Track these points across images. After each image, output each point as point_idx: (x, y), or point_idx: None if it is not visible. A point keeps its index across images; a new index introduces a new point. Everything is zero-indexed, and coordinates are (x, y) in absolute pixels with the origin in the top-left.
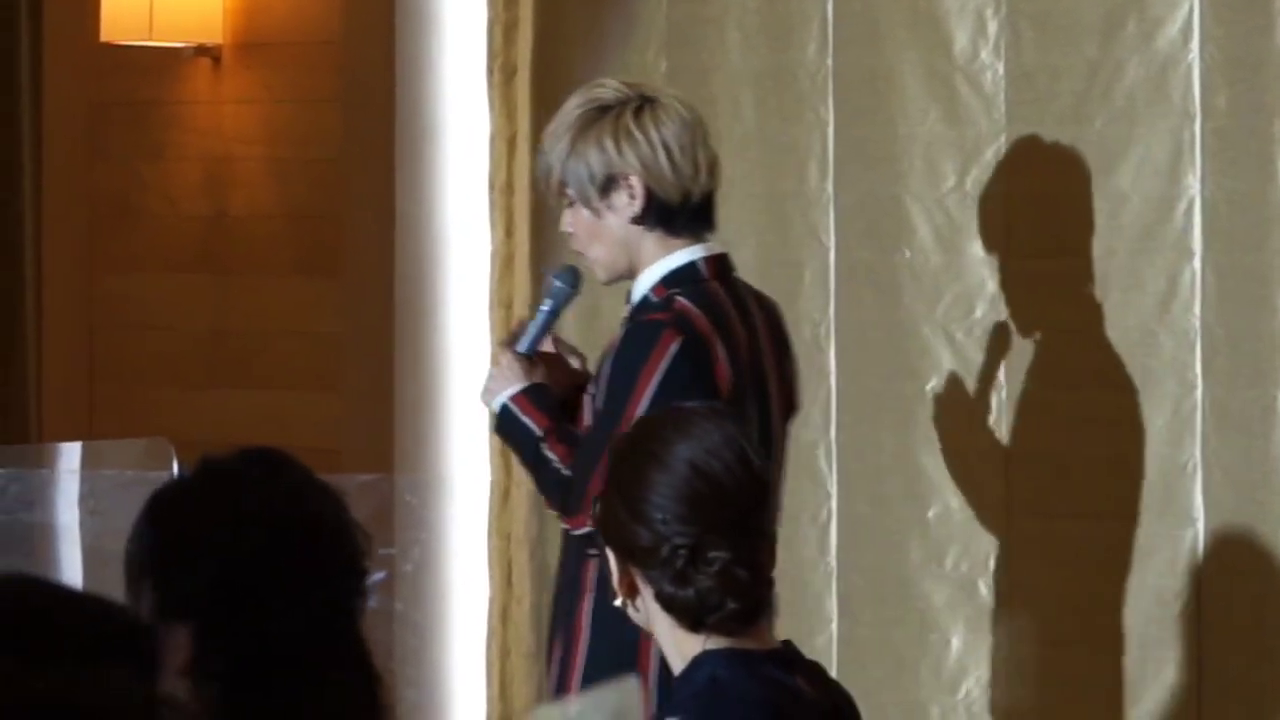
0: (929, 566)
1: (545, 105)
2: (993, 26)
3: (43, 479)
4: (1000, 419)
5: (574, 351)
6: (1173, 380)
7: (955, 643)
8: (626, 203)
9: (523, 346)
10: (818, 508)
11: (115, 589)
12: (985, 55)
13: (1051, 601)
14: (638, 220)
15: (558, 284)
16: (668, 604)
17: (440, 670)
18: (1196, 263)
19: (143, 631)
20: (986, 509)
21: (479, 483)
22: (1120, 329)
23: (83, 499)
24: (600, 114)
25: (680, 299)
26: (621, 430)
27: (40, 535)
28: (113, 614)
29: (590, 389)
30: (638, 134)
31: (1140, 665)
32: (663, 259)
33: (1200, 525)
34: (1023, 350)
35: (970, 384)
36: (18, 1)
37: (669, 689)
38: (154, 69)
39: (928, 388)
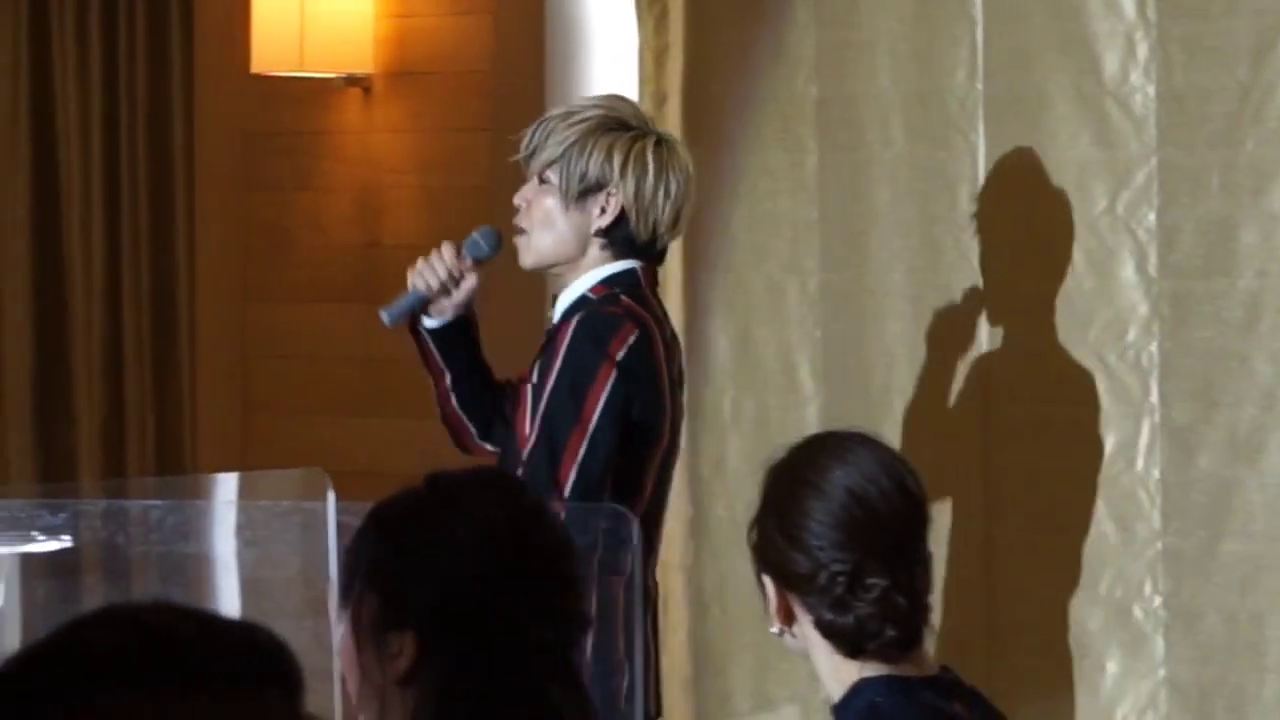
0: (1083, 592)
1: (696, 131)
2: (1142, 49)
3: (200, 510)
4: (1154, 443)
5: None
6: None
7: (1111, 668)
8: (597, 214)
9: (389, 315)
10: (971, 531)
11: (273, 618)
12: (1135, 78)
13: (1209, 624)
14: (598, 233)
15: (480, 241)
16: (826, 631)
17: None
18: None
19: (288, 654)
20: (1138, 533)
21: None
22: (1272, 351)
23: (239, 529)
24: (620, 128)
25: (624, 297)
26: (585, 418)
27: (198, 566)
28: (258, 637)
29: (532, 379)
30: (651, 168)
31: None
32: (604, 265)
33: None
34: (1175, 374)
35: (1123, 408)
36: (170, 34)
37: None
38: (305, 99)
39: (1079, 414)
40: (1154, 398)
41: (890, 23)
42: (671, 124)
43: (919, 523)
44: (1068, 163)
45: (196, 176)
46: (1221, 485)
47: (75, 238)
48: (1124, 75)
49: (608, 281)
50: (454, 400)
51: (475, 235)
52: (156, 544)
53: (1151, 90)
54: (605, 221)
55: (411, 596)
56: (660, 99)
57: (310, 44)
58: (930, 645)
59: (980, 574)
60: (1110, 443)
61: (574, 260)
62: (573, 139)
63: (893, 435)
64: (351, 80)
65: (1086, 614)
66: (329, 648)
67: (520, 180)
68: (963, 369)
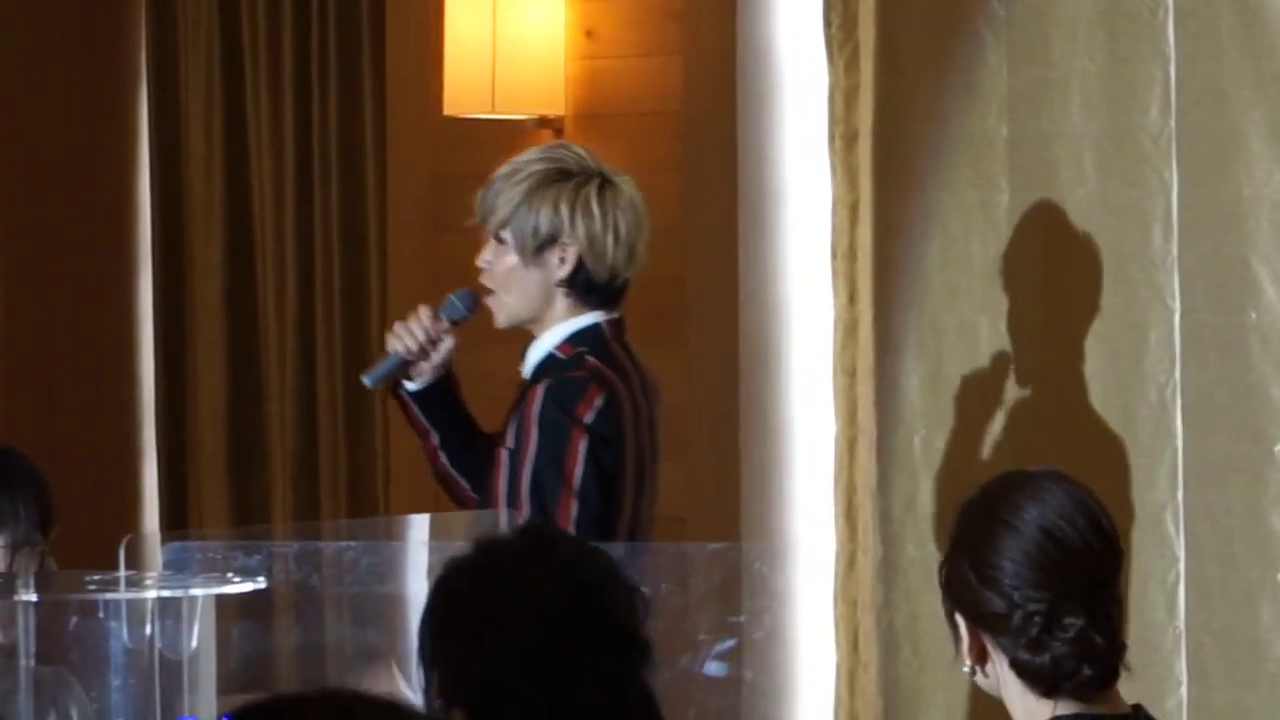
0: None
1: (887, 171)
2: None
3: (393, 551)
4: None
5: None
6: None
7: None
8: (556, 265)
9: (371, 379)
10: (1165, 570)
11: None
12: None
13: None
14: (560, 284)
15: (457, 303)
16: (1021, 670)
17: None
18: None
19: None
20: None
21: (824, 549)
22: None
23: (432, 570)
24: (562, 178)
25: (589, 358)
26: (569, 480)
27: (392, 607)
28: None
29: (508, 443)
30: (595, 210)
31: None
32: (570, 320)
33: None
34: None
35: None
36: (362, 78)
37: None
38: (497, 141)
39: (1276, 449)
40: None
41: (1082, 61)
42: (862, 164)
43: (1114, 560)
44: (1263, 199)
45: (389, 219)
46: None
47: (269, 282)
48: None
49: (573, 339)
50: (443, 458)
51: (451, 297)
52: (350, 585)
53: None
54: (565, 271)
55: (454, 672)
56: (851, 138)
57: (502, 86)
58: (1124, 684)
59: (1167, 614)
60: None
61: (543, 313)
62: (519, 198)
63: (1083, 474)
64: (543, 122)
65: None
66: None
67: (709, 223)
68: (1155, 405)
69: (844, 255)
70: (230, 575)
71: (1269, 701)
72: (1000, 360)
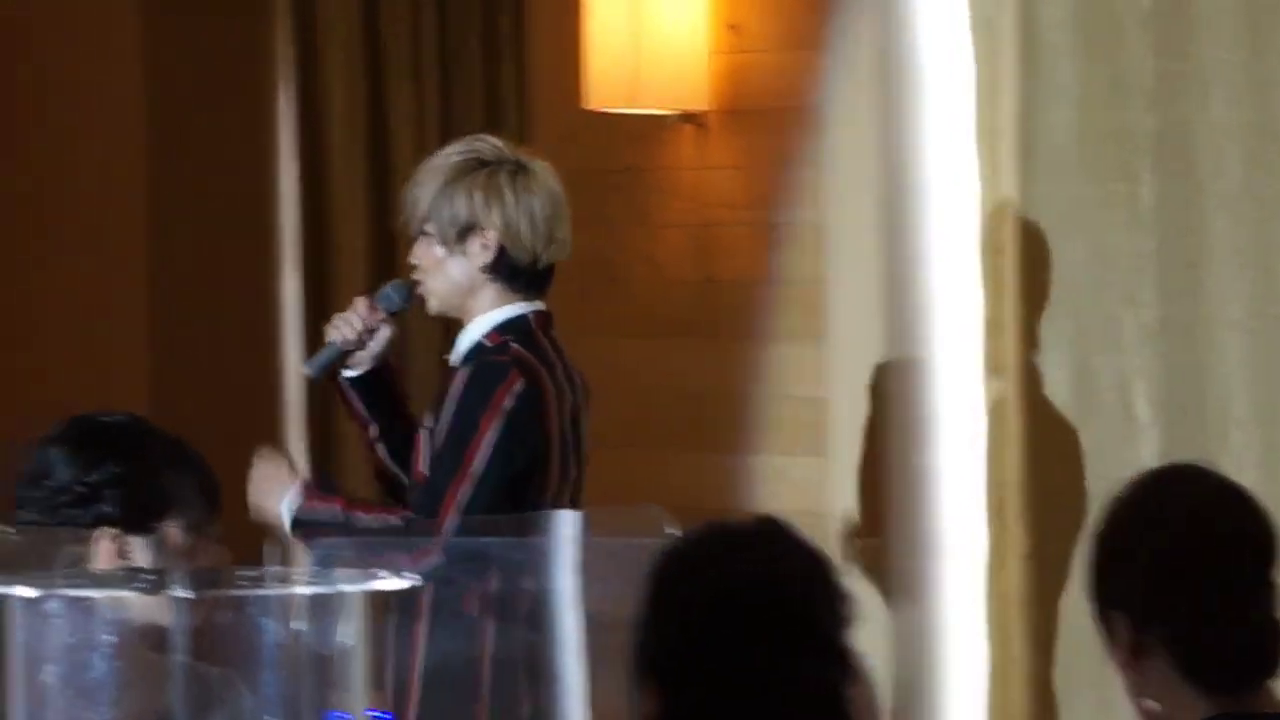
0: None
1: (1032, 166)
2: None
3: (542, 546)
4: None
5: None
6: None
7: None
8: (479, 251)
9: (311, 368)
10: None
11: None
12: None
13: None
14: (484, 269)
15: (391, 294)
16: (1172, 666)
17: None
18: None
19: None
20: None
21: (973, 544)
22: None
23: (581, 566)
24: (477, 166)
25: (515, 345)
26: (466, 464)
27: (542, 603)
28: None
29: (427, 424)
30: (508, 195)
31: None
32: (496, 309)
33: None
34: None
35: None
36: (503, 71)
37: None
38: (639, 135)
39: None
40: None
41: (1226, 52)
42: (1006, 159)
43: (1268, 553)
44: None
45: None
46: None
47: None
48: None
49: (501, 328)
50: (381, 450)
51: (386, 288)
52: (499, 581)
53: None
54: (488, 257)
55: (652, 650)
56: (995, 133)
57: (644, 80)
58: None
59: None
60: None
61: (470, 301)
62: (436, 189)
63: (1231, 468)
64: (686, 116)
65: None
66: None
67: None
68: None
69: (990, 251)
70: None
71: None
72: (1145, 353)
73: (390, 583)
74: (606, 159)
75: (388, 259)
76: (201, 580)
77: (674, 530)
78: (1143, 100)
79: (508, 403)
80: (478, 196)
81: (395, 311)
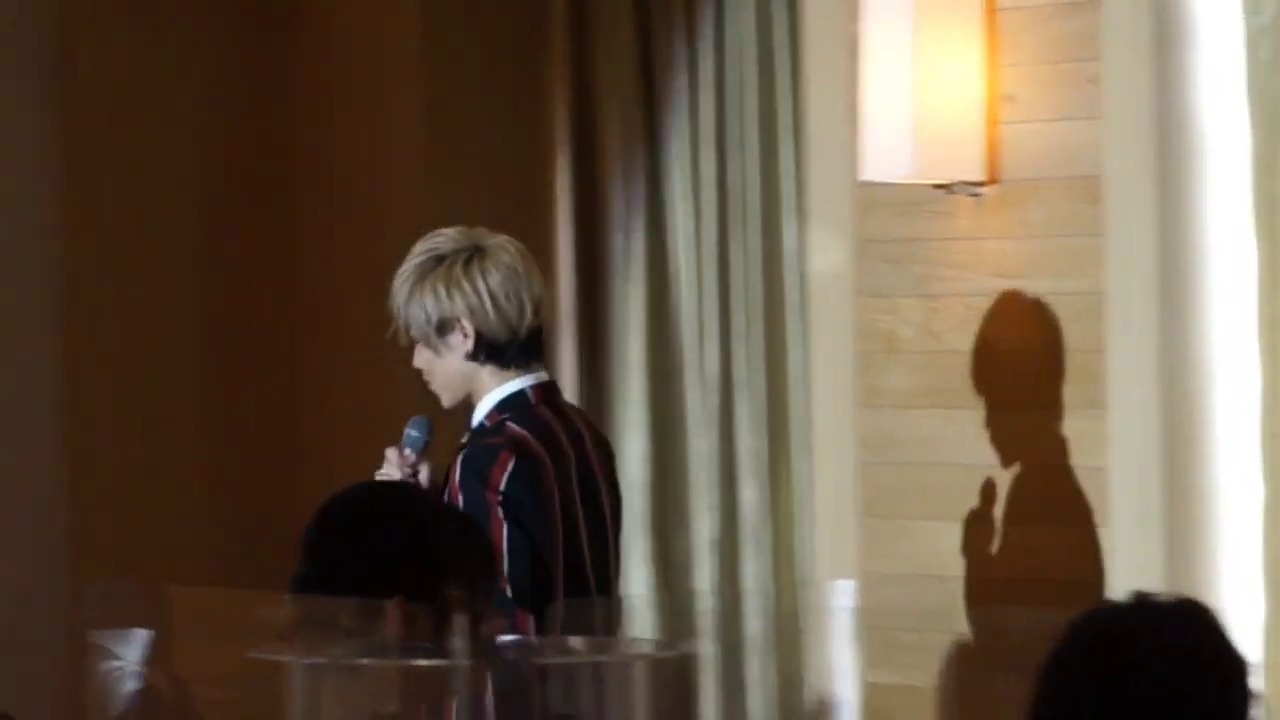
0: None
1: None
2: None
3: (818, 614)
4: None
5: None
6: None
7: None
8: (460, 342)
9: None
10: None
11: None
12: None
13: None
14: (471, 356)
15: (412, 433)
16: None
17: None
18: None
19: None
20: None
21: (1251, 614)
22: None
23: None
24: (436, 263)
25: (510, 424)
26: (495, 541)
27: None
28: None
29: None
30: (465, 284)
31: None
32: (497, 389)
33: None
34: None
35: None
36: (780, 143)
37: None
38: (915, 206)
39: None
40: None
41: None
42: None
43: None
44: None
45: (808, 283)
46: None
47: (688, 343)
48: None
49: (500, 407)
50: None
51: (407, 430)
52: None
53: None
54: (469, 346)
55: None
56: (1272, 201)
57: (921, 151)
58: None
59: None
60: None
61: (473, 388)
62: (405, 295)
63: None
64: (963, 186)
65: None
66: None
67: (1132, 288)
68: None
69: (1270, 322)
70: (652, 638)
71: None
72: None
73: (665, 651)
74: (884, 230)
75: (663, 327)
76: (483, 649)
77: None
78: None
79: (503, 483)
80: (441, 291)
81: (421, 448)
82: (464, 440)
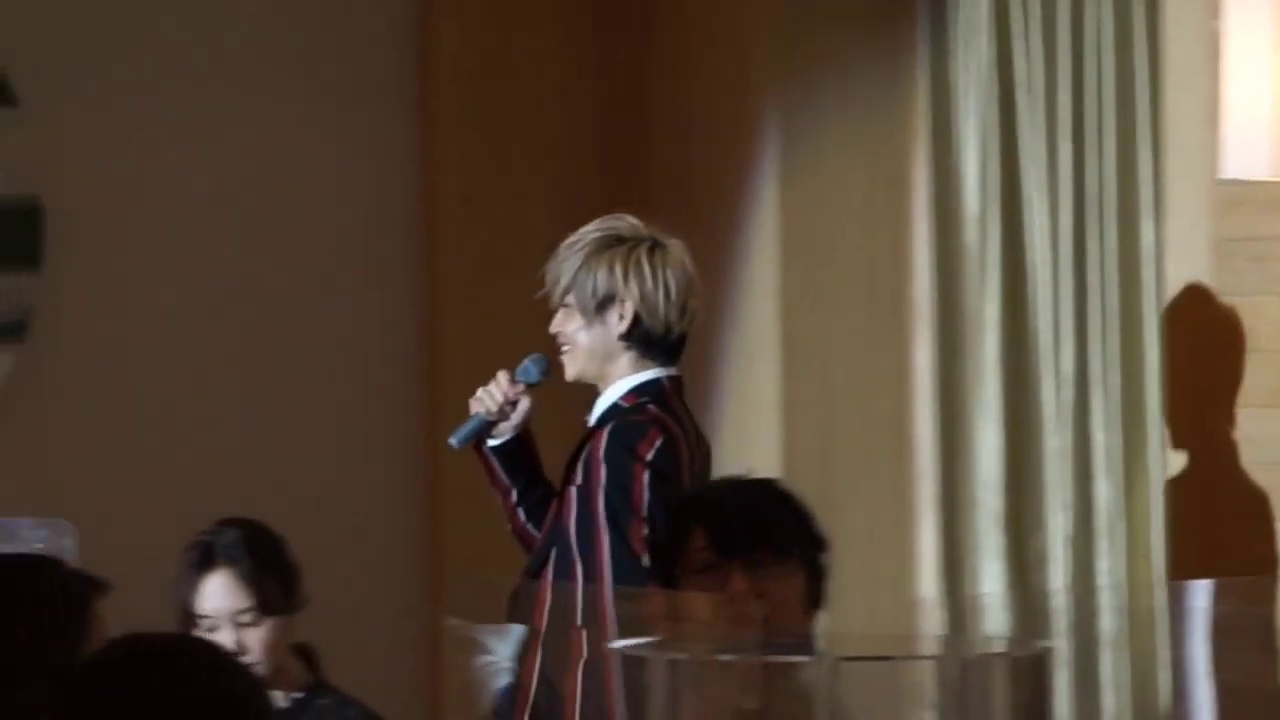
0: None
1: None
2: None
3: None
4: None
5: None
6: None
7: None
8: (616, 321)
9: (456, 439)
10: None
11: None
12: None
13: None
14: (621, 338)
15: (531, 367)
16: None
17: None
18: None
19: None
20: None
21: None
22: None
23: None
24: (616, 242)
25: (651, 406)
26: (637, 509)
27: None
28: None
29: (574, 481)
30: (646, 270)
31: None
32: (633, 374)
33: None
34: None
35: None
36: (1134, 140)
37: None
38: (1277, 203)
39: None
40: None
41: None
42: None
43: None
44: None
45: (1164, 281)
46: None
47: (1044, 340)
48: None
49: (637, 390)
50: (521, 515)
51: (525, 362)
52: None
53: None
54: (624, 327)
55: None
56: None
57: None
58: None
59: None
60: None
61: (607, 367)
62: (578, 263)
63: None
64: None
65: None
66: None
67: None
68: None
69: None
70: (1007, 635)
71: None
72: None
73: (1020, 649)
74: (1244, 228)
75: (1020, 324)
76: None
77: None
78: None
79: (651, 455)
80: (618, 270)
81: (533, 384)
82: (593, 419)
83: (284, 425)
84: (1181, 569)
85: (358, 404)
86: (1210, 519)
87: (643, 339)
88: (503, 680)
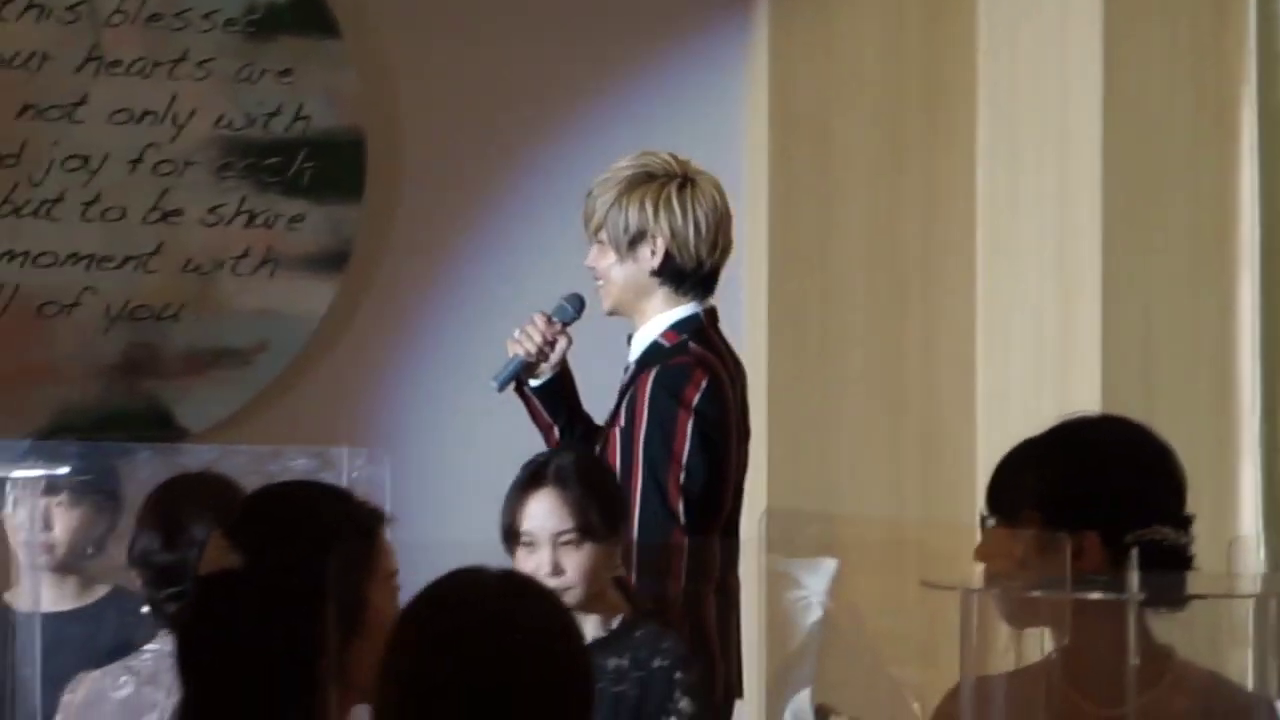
0: None
1: None
2: None
3: None
4: None
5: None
6: None
7: None
8: (648, 257)
9: (497, 381)
10: None
11: None
12: None
13: None
14: (655, 273)
15: (566, 306)
16: None
17: None
18: None
19: None
20: None
21: None
22: None
23: None
24: (648, 179)
25: (694, 344)
26: (677, 455)
27: None
28: None
29: (620, 423)
30: (676, 206)
31: None
32: (669, 310)
33: None
34: None
35: None
36: None
37: None
38: None
39: None
40: None
41: None
42: None
43: None
44: None
45: None
46: None
47: None
48: None
49: (676, 327)
50: None
51: (562, 301)
52: None
53: None
54: (656, 262)
55: None
56: None
57: None
58: None
59: None
60: None
61: (641, 303)
62: (610, 201)
63: None
64: None
65: None
66: None
67: None
68: None
69: None
70: None
71: None
72: None
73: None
74: None
75: None
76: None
77: None
78: None
79: (697, 400)
80: (649, 207)
81: (569, 322)
82: (632, 357)
83: None
84: None
85: None
86: None
87: (675, 274)
88: (813, 615)
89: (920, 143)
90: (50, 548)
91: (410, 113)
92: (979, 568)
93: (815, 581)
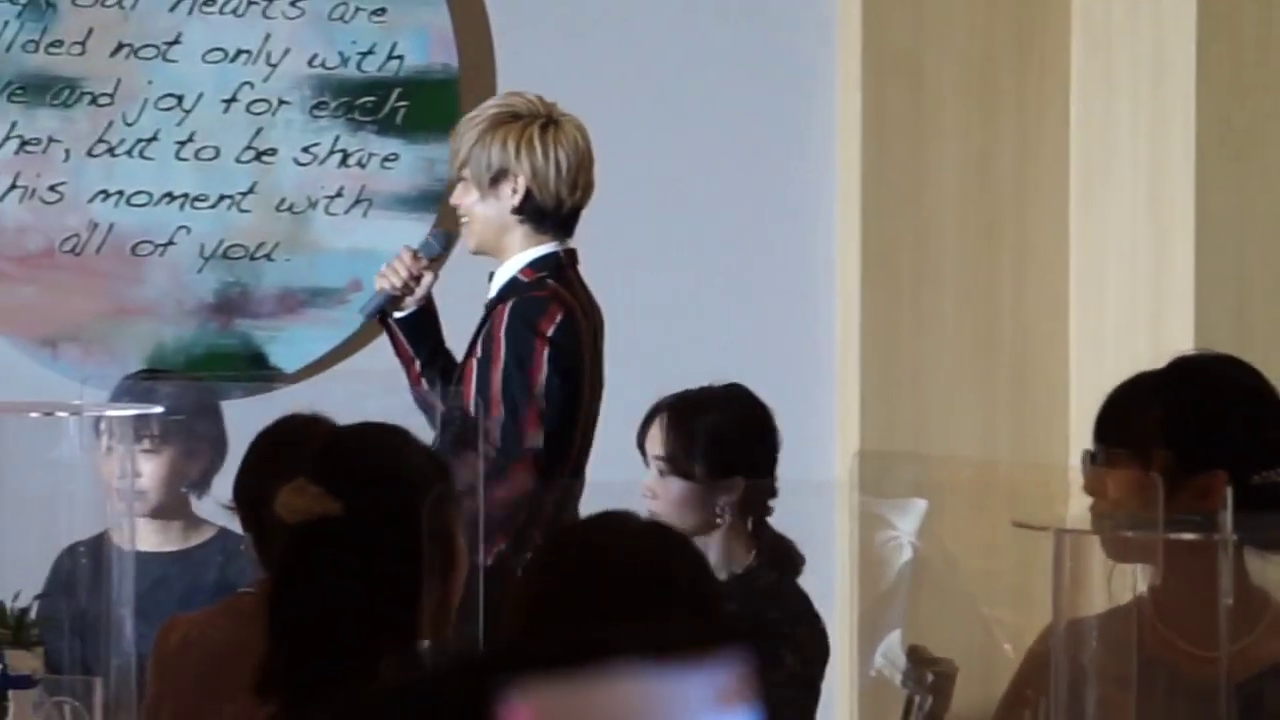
0: None
1: None
2: None
3: None
4: None
5: None
6: None
7: None
8: (509, 195)
9: (363, 312)
10: None
11: None
12: None
13: None
14: (515, 211)
15: (432, 242)
16: None
17: None
18: None
19: None
20: None
21: None
22: None
23: None
24: (513, 119)
25: (551, 281)
26: (533, 388)
27: None
28: None
29: (476, 355)
30: (537, 146)
31: None
32: (530, 249)
33: None
34: None
35: None
36: None
37: None
38: None
39: None
40: None
41: None
42: None
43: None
44: None
45: None
46: None
47: None
48: None
49: (535, 265)
50: (424, 384)
51: (427, 237)
52: None
53: None
54: (517, 201)
55: None
56: None
57: None
58: None
59: None
60: None
61: (502, 240)
62: (474, 138)
63: None
64: None
65: None
66: None
67: None
68: None
69: None
70: None
71: None
72: None
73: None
74: None
75: None
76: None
77: None
78: None
79: (552, 331)
80: (511, 146)
81: (435, 257)
82: (492, 292)
83: None
84: None
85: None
86: None
87: (535, 213)
88: (904, 556)
89: (1013, 80)
90: (141, 493)
91: (504, 51)
92: (1085, 502)
93: (906, 523)
